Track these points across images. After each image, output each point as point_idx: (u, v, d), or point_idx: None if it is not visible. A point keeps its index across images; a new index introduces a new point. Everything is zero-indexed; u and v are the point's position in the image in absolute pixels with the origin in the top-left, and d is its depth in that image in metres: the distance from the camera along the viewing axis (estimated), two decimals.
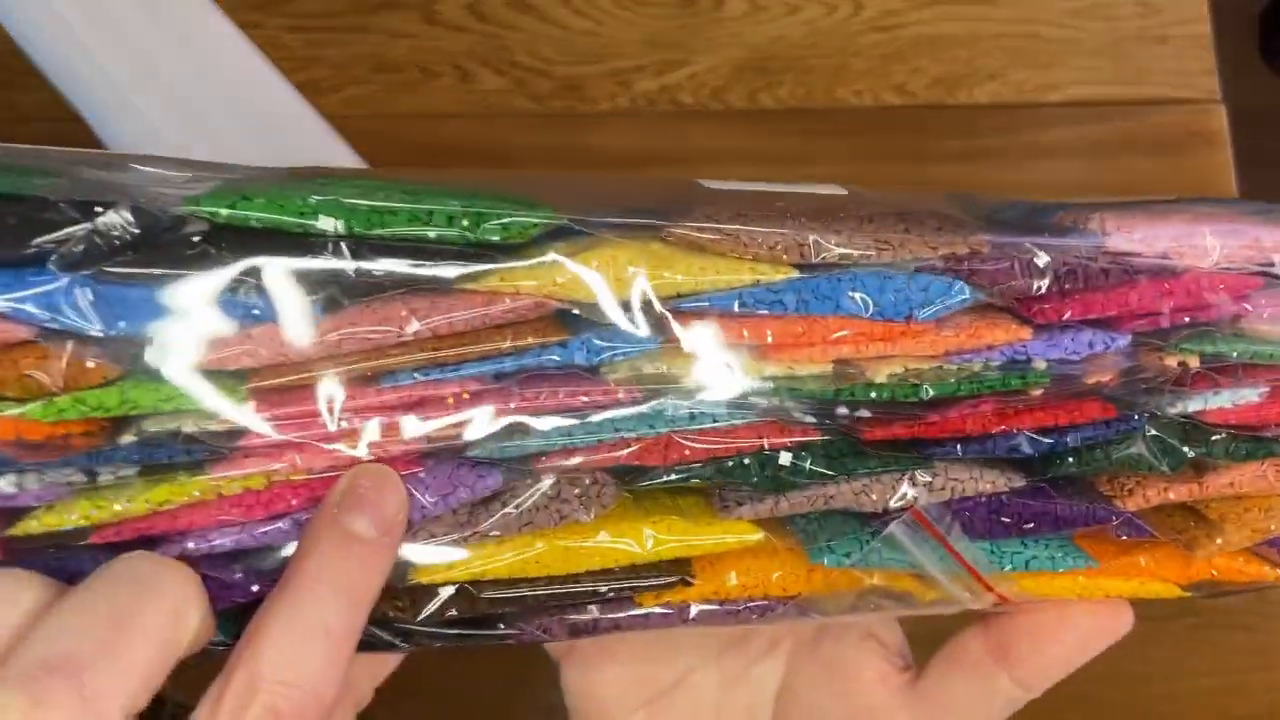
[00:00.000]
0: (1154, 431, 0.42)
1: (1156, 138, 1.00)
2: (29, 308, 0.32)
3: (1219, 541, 0.44)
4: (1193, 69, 1.02)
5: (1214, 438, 0.42)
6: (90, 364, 0.33)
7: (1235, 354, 0.41)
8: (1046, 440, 0.41)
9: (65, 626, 0.30)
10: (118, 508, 0.35)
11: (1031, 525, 0.42)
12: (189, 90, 0.93)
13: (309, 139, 0.94)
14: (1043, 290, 0.39)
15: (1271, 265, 0.41)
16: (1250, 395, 0.42)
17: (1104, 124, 1.00)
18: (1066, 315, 0.40)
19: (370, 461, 0.35)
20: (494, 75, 0.99)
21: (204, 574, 0.35)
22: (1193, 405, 0.42)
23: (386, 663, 0.43)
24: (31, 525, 0.34)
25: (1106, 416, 0.41)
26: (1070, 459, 0.41)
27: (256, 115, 0.94)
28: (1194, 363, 0.41)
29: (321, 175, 0.37)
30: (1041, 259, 0.38)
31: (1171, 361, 0.41)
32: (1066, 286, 0.39)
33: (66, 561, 0.35)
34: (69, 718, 0.28)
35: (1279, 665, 0.91)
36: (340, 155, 0.92)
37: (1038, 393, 0.40)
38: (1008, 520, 0.42)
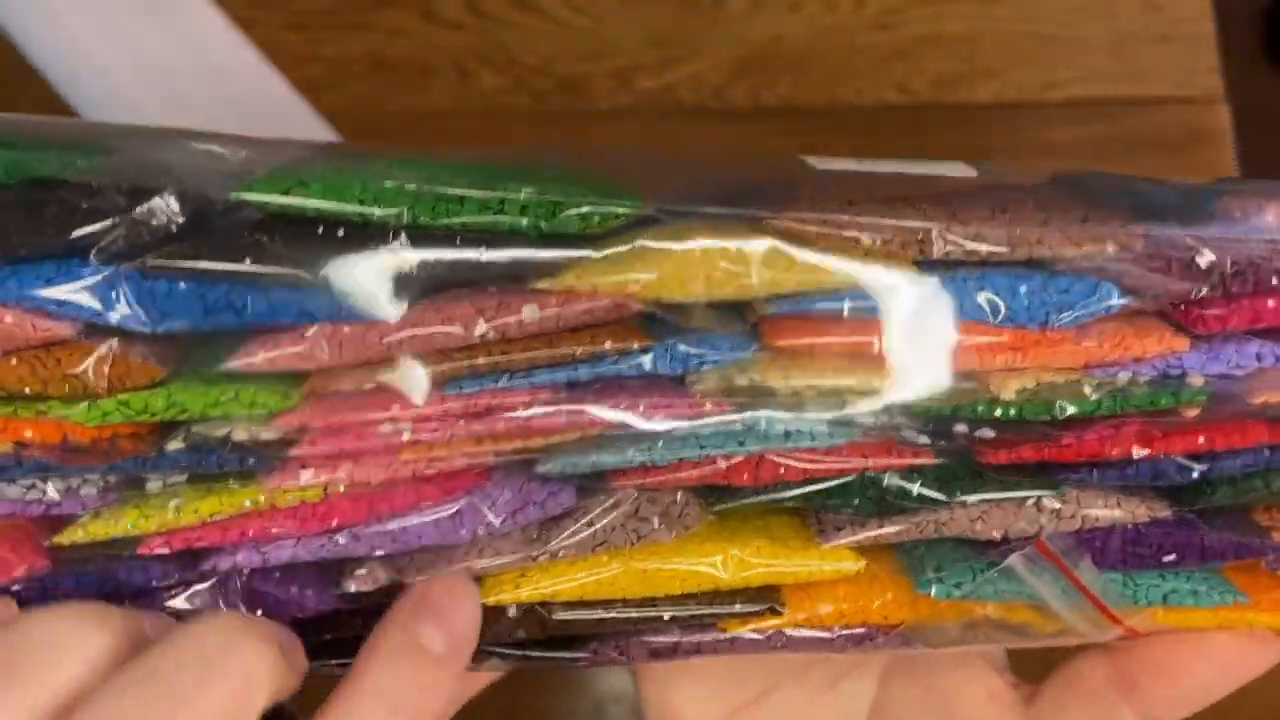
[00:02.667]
0: None
1: (1159, 137, 1.00)
2: (71, 302, 0.29)
3: None
4: (1195, 67, 1.02)
5: None
6: (135, 364, 0.30)
7: None
8: (1199, 466, 0.36)
9: (122, 700, 0.28)
10: (167, 517, 0.33)
11: (1173, 557, 0.37)
12: (186, 87, 0.95)
13: (308, 137, 0.94)
14: (1204, 294, 0.33)
15: None
16: None
17: (1106, 123, 1.01)
18: (1232, 324, 0.34)
19: (448, 574, 0.34)
20: (493, 73, 0.99)
21: (256, 589, 0.34)
22: None
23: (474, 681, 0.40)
24: (77, 533, 0.33)
25: (1273, 441, 0.35)
26: (1225, 488, 0.36)
27: (254, 114, 0.95)
28: None
29: (381, 155, 0.33)
30: (1204, 258, 0.33)
31: None
32: (1233, 290, 0.33)
33: (115, 570, 0.33)
34: None
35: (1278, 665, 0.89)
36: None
37: (1193, 413, 0.35)
38: (1145, 552, 0.37)
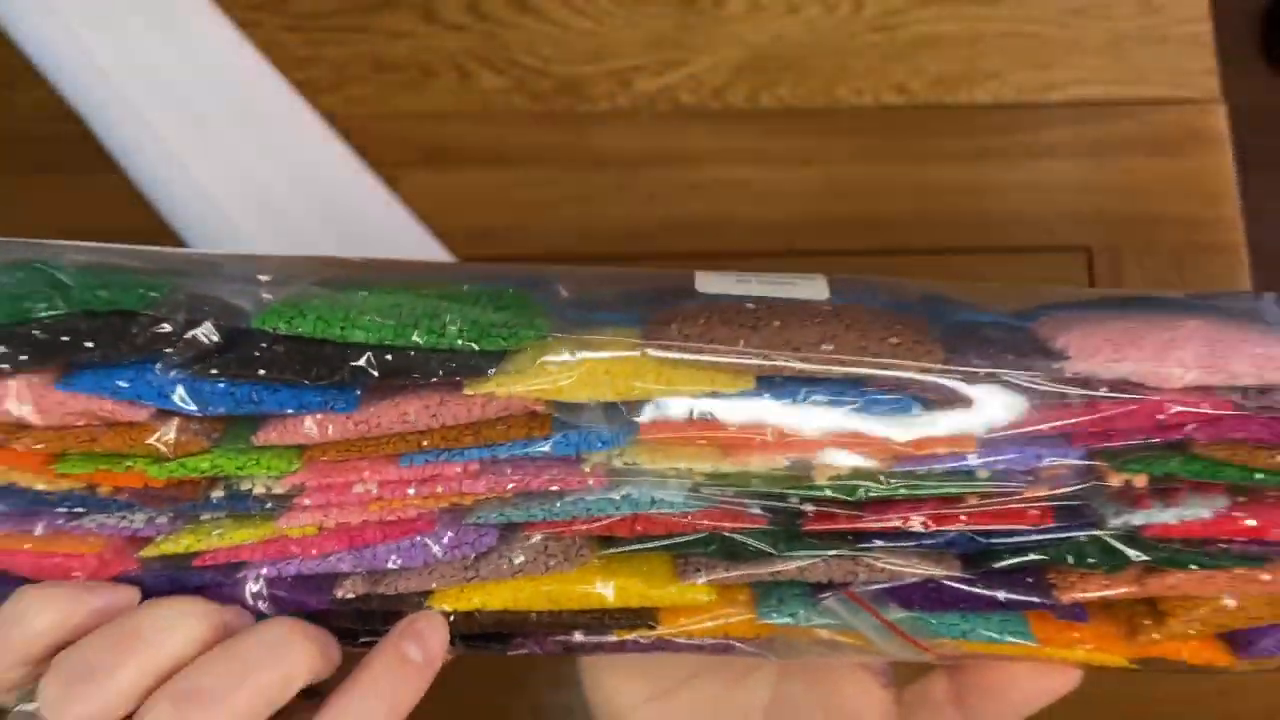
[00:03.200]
0: (1097, 534, 0.46)
1: (1157, 137, 1.02)
2: (146, 395, 0.43)
3: (1157, 635, 0.49)
4: (1193, 68, 1.04)
5: (1158, 547, 0.46)
6: (189, 438, 0.45)
7: (1186, 474, 0.45)
8: (983, 540, 0.46)
9: (211, 668, 0.43)
10: (213, 541, 0.46)
11: (967, 604, 0.48)
12: (188, 91, 0.97)
13: (307, 137, 0.99)
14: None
15: (1243, 392, 0.45)
16: (1202, 512, 0.46)
17: (1104, 123, 1.02)
18: (1014, 431, 0.45)
19: (427, 613, 0.48)
20: (493, 74, 1.03)
21: (273, 593, 0.47)
22: (1135, 519, 0.46)
23: None
24: (153, 550, 0.47)
25: (1045, 524, 0.46)
26: (1007, 556, 0.47)
27: (255, 115, 0.98)
28: (1140, 481, 0.45)
29: (364, 282, 0.47)
30: (996, 379, 0.44)
31: (1117, 480, 0.45)
32: None
33: (179, 575, 0.47)
34: None
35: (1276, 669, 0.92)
36: (338, 154, 0.97)
37: (975, 500, 0.46)
38: (945, 599, 0.48)
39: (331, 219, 0.95)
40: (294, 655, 0.44)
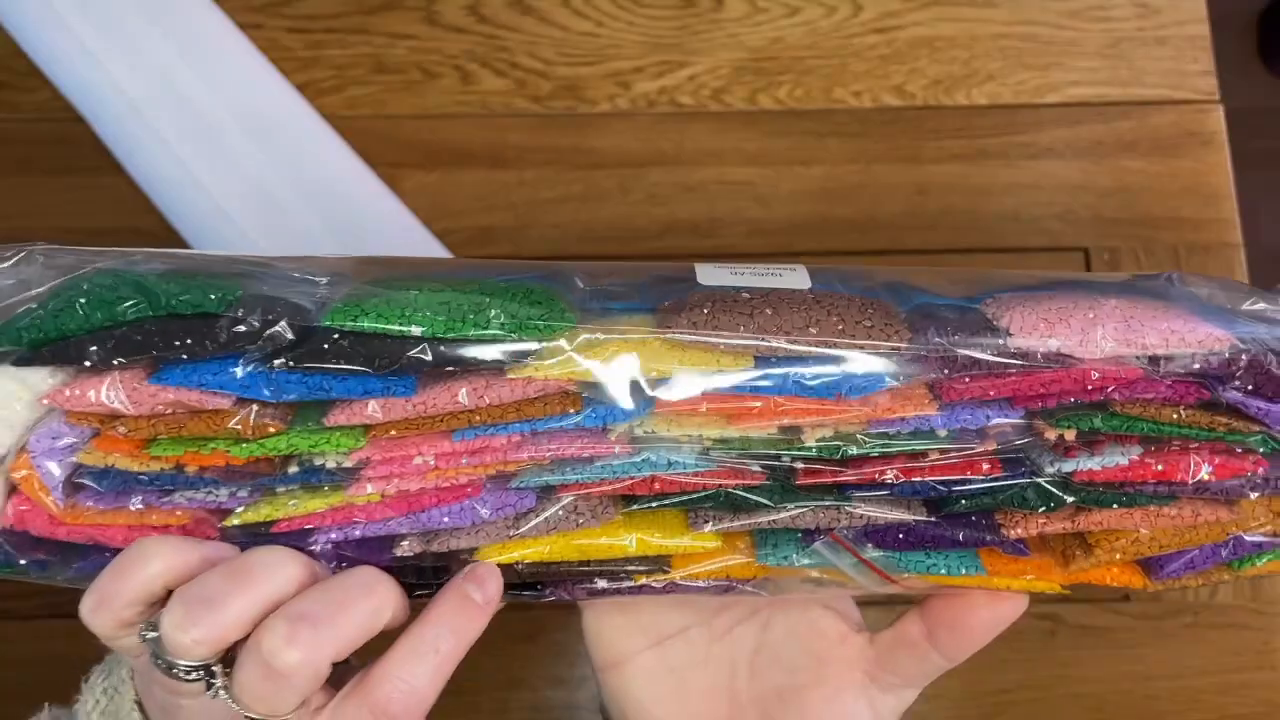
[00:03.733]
0: (1036, 481, 0.59)
1: (1154, 138, 1.09)
2: (229, 386, 0.53)
3: (1088, 561, 0.62)
4: (1190, 70, 1.10)
5: (1086, 490, 0.59)
6: (267, 421, 0.54)
7: (1107, 428, 0.57)
8: (943, 488, 0.59)
9: (316, 597, 0.53)
10: (289, 510, 0.57)
11: (930, 544, 0.61)
12: (191, 93, 1.04)
13: (309, 138, 1.06)
14: (950, 376, 0.56)
15: (1153, 360, 0.57)
16: (1120, 459, 0.58)
17: (1102, 125, 1.09)
18: (967, 396, 0.57)
19: (483, 564, 0.59)
20: (494, 76, 1.10)
21: (340, 553, 0.58)
22: (1066, 467, 0.58)
23: None
24: (235, 520, 0.57)
25: (993, 474, 0.58)
26: (963, 500, 0.59)
27: (257, 116, 1.05)
28: (1070, 435, 0.58)
29: (415, 280, 0.58)
30: (954, 354, 0.56)
31: (1052, 434, 0.58)
32: (970, 374, 0.56)
33: (256, 541, 0.57)
34: (304, 648, 0.51)
35: (1277, 664, 1.00)
36: (339, 155, 1.05)
37: (937, 454, 0.58)
38: (911, 540, 0.61)
39: (333, 219, 1.03)
40: (382, 593, 0.55)
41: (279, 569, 0.54)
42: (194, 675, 0.52)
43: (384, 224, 1.04)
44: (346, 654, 0.54)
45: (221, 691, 0.52)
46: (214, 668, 0.52)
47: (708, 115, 1.08)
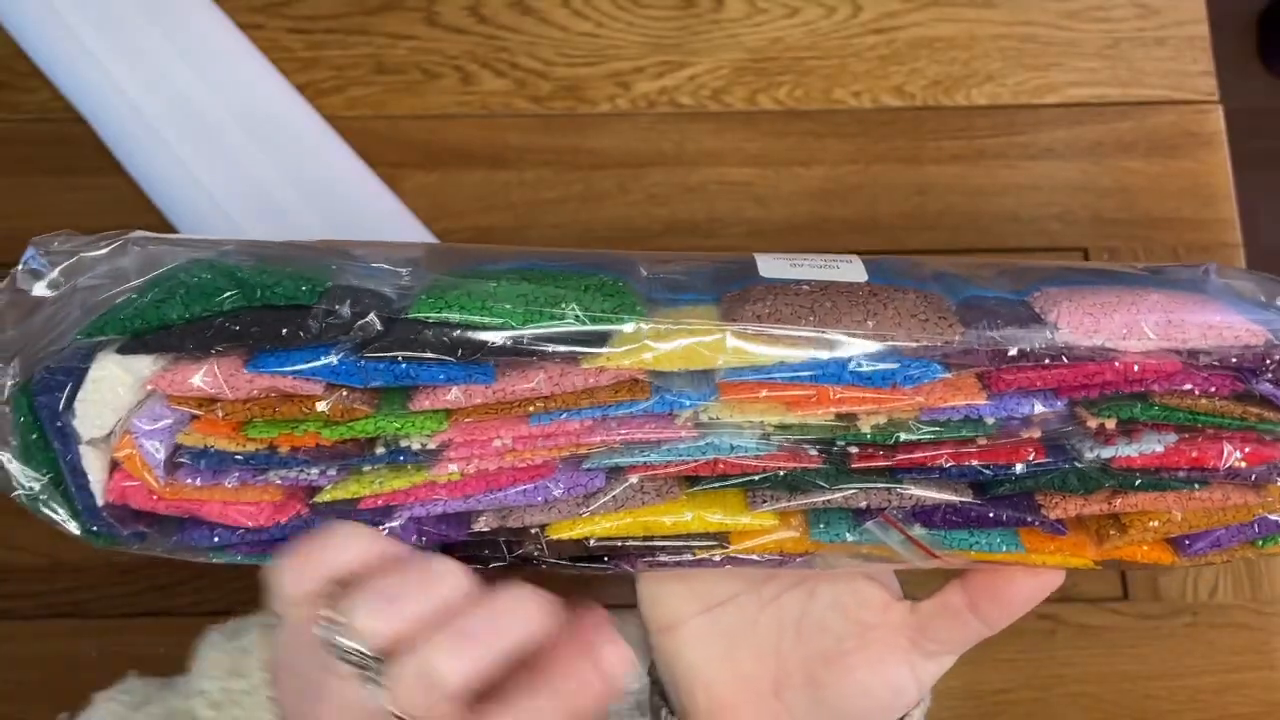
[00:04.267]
0: (1077, 465, 0.64)
1: (1153, 139, 1.14)
2: (320, 373, 0.59)
3: (1123, 540, 0.68)
4: (1190, 70, 1.16)
5: (1122, 474, 0.65)
6: (355, 405, 0.60)
7: (1145, 417, 0.63)
8: (989, 471, 0.65)
9: (482, 615, 0.57)
10: (375, 487, 0.63)
11: (975, 523, 0.67)
12: (192, 94, 1.10)
13: (309, 139, 1.12)
14: (1000, 367, 0.62)
15: (1191, 353, 0.62)
16: (1155, 446, 0.64)
17: (1101, 125, 1.15)
18: (1015, 386, 0.62)
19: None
20: (494, 77, 1.15)
21: (422, 528, 0.65)
22: (1105, 453, 0.64)
23: None
24: (324, 496, 0.64)
25: (1037, 459, 0.64)
26: (1007, 483, 0.65)
27: (258, 117, 1.11)
28: (1110, 424, 0.63)
29: (493, 270, 0.64)
30: (1003, 348, 0.61)
31: (1093, 423, 0.63)
32: (1018, 366, 0.62)
33: (343, 516, 0.64)
34: (467, 666, 0.55)
35: (1277, 664, 1.05)
36: (340, 156, 1.10)
37: (984, 441, 0.64)
38: (957, 519, 0.67)
39: (333, 219, 1.08)
40: (536, 616, 0.58)
41: (451, 578, 0.58)
42: (359, 660, 0.56)
43: (384, 224, 1.08)
44: (497, 669, 0.58)
45: (374, 684, 0.56)
46: (377, 659, 0.56)
47: (708, 115, 1.12)
